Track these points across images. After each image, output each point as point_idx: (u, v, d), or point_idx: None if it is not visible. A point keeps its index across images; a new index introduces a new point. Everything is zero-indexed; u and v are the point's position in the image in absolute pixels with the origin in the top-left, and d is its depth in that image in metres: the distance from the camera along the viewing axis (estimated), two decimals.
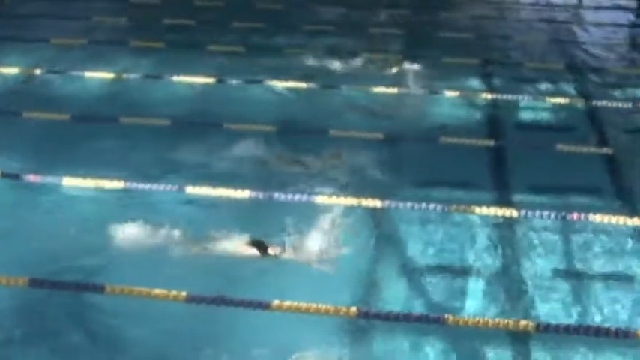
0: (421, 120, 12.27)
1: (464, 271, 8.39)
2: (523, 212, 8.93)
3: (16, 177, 9.49)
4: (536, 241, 8.93)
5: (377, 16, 18.53)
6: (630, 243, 8.97)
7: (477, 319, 6.91)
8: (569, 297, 7.96)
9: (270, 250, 8.41)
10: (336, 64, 14.60)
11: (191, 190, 9.23)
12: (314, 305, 6.97)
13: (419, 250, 8.75)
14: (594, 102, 13.03)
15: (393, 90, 13.05)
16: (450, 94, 13.08)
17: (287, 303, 6.99)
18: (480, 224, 9.09)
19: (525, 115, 12.83)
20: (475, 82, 14.08)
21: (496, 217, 8.93)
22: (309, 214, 9.03)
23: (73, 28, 16.25)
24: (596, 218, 8.75)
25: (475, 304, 7.80)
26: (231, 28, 16.79)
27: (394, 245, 8.82)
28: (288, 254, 8.44)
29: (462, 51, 15.73)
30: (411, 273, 8.30)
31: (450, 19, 18.38)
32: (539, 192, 10.01)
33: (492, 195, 9.86)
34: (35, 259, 8.14)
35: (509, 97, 12.97)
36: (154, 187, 9.36)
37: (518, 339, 7.21)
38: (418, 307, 7.63)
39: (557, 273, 8.43)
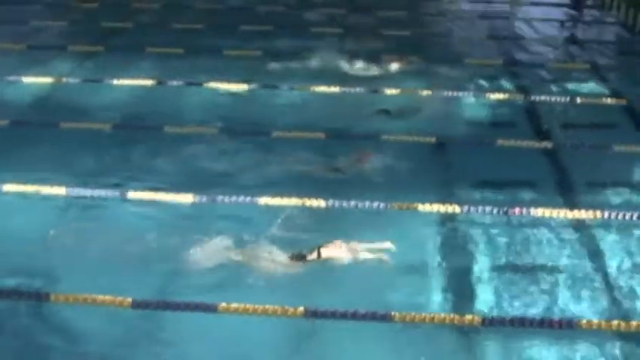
0: (363, 118, 12.29)
1: (411, 267, 8.41)
2: (465, 208, 8.98)
3: None
4: (478, 237, 9.00)
5: (317, 15, 18.56)
6: (571, 235, 9.07)
7: (423, 315, 6.95)
8: (514, 290, 8.03)
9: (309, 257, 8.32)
10: (275, 65, 14.59)
11: (133, 194, 9.15)
12: (261, 307, 6.95)
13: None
14: (533, 97, 13.19)
15: (335, 89, 13.05)
16: (390, 92, 13.12)
17: (234, 305, 6.97)
18: (423, 221, 9.12)
19: (467, 112, 12.91)
20: (417, 80, 14.15)
21: (439, 213, 8.97)
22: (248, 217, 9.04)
23: (11, 33, 16.02)
24: (538, 212, 8.86)
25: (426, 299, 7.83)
26: (170, 29, 16.71)
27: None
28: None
29: (403, 48, 15.84)
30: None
31: (390, 17, 18.50)
32: (480, 187, 10.09)
33: (436, 192, 9.89)
34: None
35: (450, 93, 13.05)
36: (95, 192, 9.27)
37: (465, 333, 7.26)
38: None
39: (500, 267, 8.49)
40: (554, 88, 14.05)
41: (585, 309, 7.70)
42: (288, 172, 10.31)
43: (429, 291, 7.92)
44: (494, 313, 7.36)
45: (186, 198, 9.09)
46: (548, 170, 10.67)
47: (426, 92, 13.21)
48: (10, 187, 9.27)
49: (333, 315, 7.06)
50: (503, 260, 8.61)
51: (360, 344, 7.09)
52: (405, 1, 20.03)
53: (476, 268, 8.41)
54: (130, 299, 7.13)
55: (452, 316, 7.02)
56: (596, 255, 8.69)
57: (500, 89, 13.68)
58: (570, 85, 14.24)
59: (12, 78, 13.27)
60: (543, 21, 19.06)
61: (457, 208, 8.95)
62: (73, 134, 11.18)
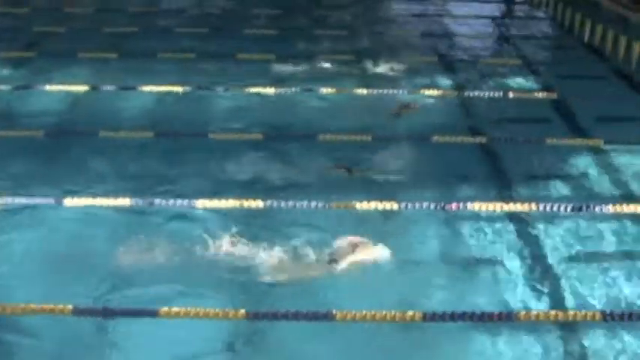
0: (299, 118, 12.32)
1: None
2: (403, 205, 9.04)
3: None
4: (417, 232, 9.07)
5: (251, 16, 18.55)
6: (507, 228, 9.19)
7: (365, 312, 6.97)
8: (455, 285, 8.11)
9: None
10: (210, 66, 14.54)
11: (69, 201, 9.05)
12: (202, 310, 6.93)
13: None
14: (467, 93, 13.34)
15: (270, 90, 13.06)
16: (326, 91, 13.17)
17: (175, 309, 6.93)
18: (359, 219, 9.16)
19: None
20: (351, 79, 14.22)
21: (376, 210, 9.02)
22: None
23: None
24: (475, 206, 8.96)
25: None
26: (103, 33, 16.56)
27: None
28: None
29: (339, 47, 15.92)
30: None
31: (325, 17, 18.57)
32: (417, 183, 10.17)
33: (375, 190, 9.95)
34: None
35: (385, 91, 13.14)
36: (30, 200, 9.16)
37: (407, 329, 7.31)
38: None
39: (440, 261, 8.55)
40: (487, 83, 14.19)
41: (524, 300, 7.80)
42: (227, 174, 10.28)
43: (374, 287, 7.96)
44: (439, 307, 7.41)
45: (124, 202, 9.01)
46: (483, 165, 10.80)
47: (360, 90, 13.27)
48: None
49: (275, 316, 7.06)
50: (443, 255, 8.67)
51: (303, 345, 7.11)
52: (338, 1, 20.15)
53: (416, 264, 8.46)
54: (70, 306, 7.04)
55: (393, 312, 7.05)
56: (532, 247, 8.81)
57: (434, 86, 13.79)
58: (503, 81, 14.44)
59: None
60: (475, 18, 19.32)
61: (395, 206, 9.00)
62: (4, 142, 11.01)
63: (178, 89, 13.12)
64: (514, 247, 8.80)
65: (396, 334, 7.18)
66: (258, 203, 8.96)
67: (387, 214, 9.09)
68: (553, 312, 7.23)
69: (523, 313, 7.10)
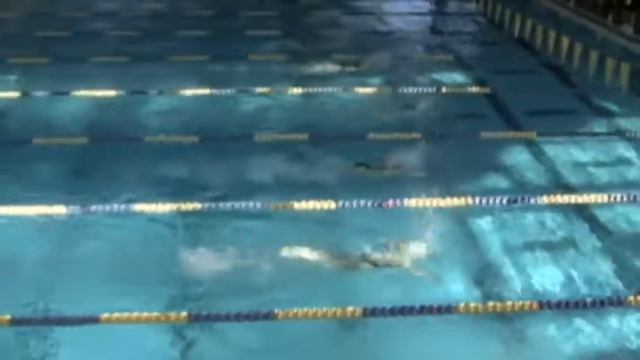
0: (235, 119, 12.32)
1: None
2: (340, 203, 9.08)
3: None
4: (355, 229, 9.12)
5: (182, 19, 18.47)
6: (445, 222, 9.29)
7: (306, 310, 6.99)
8: (397, 280, 8.17)
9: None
10: (144, 69, 14.46)
11: (3, 209, 8.95)
12: (144, 314, 6.89)
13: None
14: (401, 89, 13.44)
15: (204, 91, 13.02)
16: (261, 90, 13.17)
17: (115, 315, 6.88)
18: (301, 218, 9.20)
19: (337, 107, 13.07)
20: (286, 78, 14.25)
21: (315, 210, 9.05)
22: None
23: None
24: (411, 203, 9.04)
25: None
26: (34, 38, 16.35)
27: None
28: None
29: (273, 48, 15.94)
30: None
31: (259, 18, 18.56)
32: (354, 181, 10.23)
33: (311, 189, 9.98)
34: None
35: (318, 90, 13.18)
36: None
37: (347, 326, 7.36)
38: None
39: (380, 258, 8.60)
40: (420, 79, 14.30)
41: (463, 293, 7.88)
42: (162, 178, 10.23)
43: (315, 285, 8.01)
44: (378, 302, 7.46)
45: (59, 210, 8.93)
46: (418, 160, 10.89)
47: (295, 89, 13.30)
48: None
49: (217, 318, 7.05)
50: (382, 251, 8.72)
51: (245, 345, 7.12)
52: (270, 2, 20.16)
53: (356, 261, 8.51)
54: (7, 317, 6.95)
55: (334, 309, 7.09)
56: (471, 240, 8.91)
57: (368, 83, 13.87)
58: (436, 76, 14.58)
59: None
60: (409, 14, 19.49)
61: (332, 204, 9.04)
62: None
63: (112, 93, 13.02)
64: (453, 240, 8.88)
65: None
66: (196, 205, 8.93)
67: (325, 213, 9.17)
68: (491, 303, 7.33)
69: (462, 305, 7.17)
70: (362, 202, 9.04)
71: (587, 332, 7.20)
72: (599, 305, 7.11)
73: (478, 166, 10.71)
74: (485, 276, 8.26)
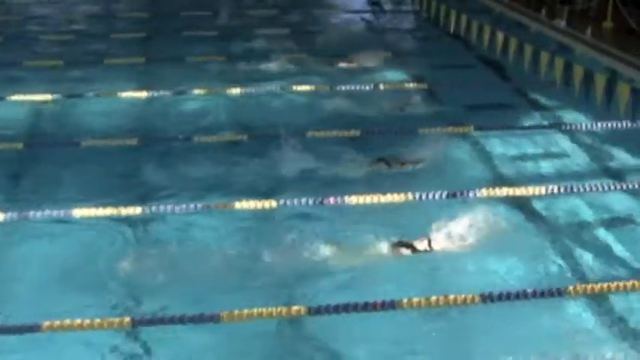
0: (175, 121, 12.25)
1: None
2: (282, 201, 9.08)
3: None
4: (297, 228, 9.14)
5: (117, 21, 18.32)
6: (385, 219, 9.34)
7: (252, 311, 6.96)
8: (334, 277, 8.19)
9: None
10: (79, 73, 14.31)
11: None
12: (87, 321, 6.80)
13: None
14: (339, 87, 13.47)
15: (142, 94, 12.92)
16: (198, 92, 13.11)
17: (57, 322, 6.79)
18: (241, 217, 9.19)
19: (275, 106, 13.07)
20: (223, 79, 14.20)
21: (256, 209, 9.04)
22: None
23: None
24: (352, 200, 9.07)
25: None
26: None
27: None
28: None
29: (209, 49, 15.87)
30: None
31: (194, 19, 18.48)
32: (294, 179, 10.23)
33: (252, 187, 9.97)
34: None
35: (257, 89, 13.16)
36: None
37: (293, 325, 7.37)
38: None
39: (324, 256, 8.62)
40: (358, 76, 14.35)
41: (404, 289, 7.93)
42: (101, 182, 10.13)
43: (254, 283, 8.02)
44: (326, 300, 7.47)
45: None
46: (357, 158, 10.94)
47: (233, 90, 13.27)
48: None
49: (162, 321, 7.00)
50: (326, 248, 8.74)
51: (190, 347, 7.09)
52: (206, 2, 20.08)
53: (300, 260, 8.52)
54: None
55: (279, 309, 7.09)
56: (409, 235, 8.95)
57: (306, 81, 13.88)
58: (373, 74, 14.65)
59: None
60: (345, 12, 19.58)
61: (274, 203, 9.04)
62: None
63: (48, 97, 12.85)
64: (389, 236, 8.93)
65: None
66: (137, 209, 8.86)
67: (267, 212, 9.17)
68: (434, 298, 7.37)
69: (406, 301, 7.20)
70: (303, 200, 9.03)
71: (532, 321, 7.32)
72: (539, 296, 7.19)
73: (416, 162, 10.77)
74: (425, 271, 8.34)
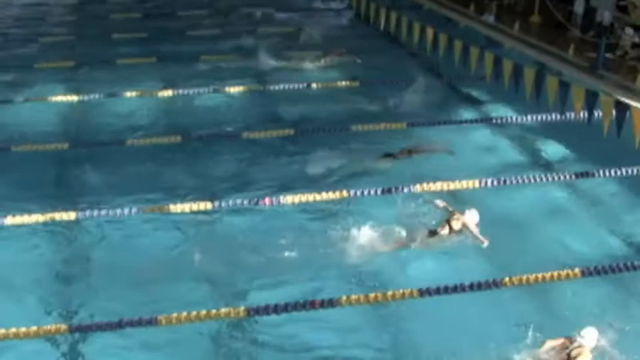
0: (108, 125, 12.14)
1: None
2: (217, 204, 9.05)
3: None
4: (235, 228, 9.13)
5: (45, 25, 18.09)
6: (324, 217, 9.39)
7: (192, 313, 6.92)
8: (280, 277, 8.20)
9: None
10: (8, 77, 14.10)
11: None
12: (23, 329, 6.70)
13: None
14: (272, 87, 13.46)
15: (73, 97, 12.75)
16: (130, 94, 12.99)
17: None
18: (177, 220, 9.14)
19: (206, 107, 13.03)
20: (154, 80, 14.11)
21: (191, 211, 8.99)
22: None
23: None
24: (287, 199, 9.08)
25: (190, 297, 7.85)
26: None
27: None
28: None
29: (139, 51, 15.74)
30: None
31: (124, 21, 18.32)
32: (230, 181, 10.21)
33: (189, 190, 9.93)
34: None
35: (189, 91, 13.09)
36: None
37: (234, 325, 7.36)
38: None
39: (263, 255, 8.61)
40: (291, 76, 14.35)
41: (343, 286, 7.97)
42: (32, 188, 9.97)
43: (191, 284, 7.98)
44: (256, 301, 7.46)
45: None
46: (288, 158, 10.96)
47: (166, 92, 13.18)
48: None
49: (99, 327, 6.94)
50: (262, 248, 8.74)
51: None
52: (137, 5, 19.93)
53: (234, 260, 8.52)
54: None
55: (218, 310, 7.06)
56: (343, 231, 8.99)
57: (239, 82, 13.82)
58: (306, 72, 14.67)
59: None
60: (278, 12, 19.58)
61: (209, 205, 9.01)
62: None
63: None
64: (332, 233, 8.98)
65: None
66: (70, 215, 8.75)
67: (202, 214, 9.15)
68: (372, 294, 7.42)
69: (344, 298, 7.23)
70: (238, 201, 9.03)
71: (467, 314, 7.47)
72: (476, 288, 7.28)
73: (350, 160, 10.83)
74: (361, 267, 8.39)
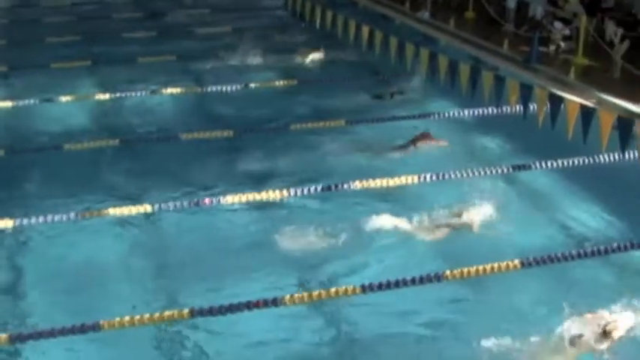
0: (44, 130, 12.00)
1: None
2: (157, 206, 9.00)
3: None
4: (175, 230, 9.09)
5: None
6: (259, 216, 9.40)
7: (133, 318, 6.88)
8: (214, 276, 8.19)
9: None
10: None
11: None
12: None
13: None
14: (210, 88, 13.42)
15: (7, 104, 12.57)
16: (65, 98, 12.85)
17: None
18: (117, 223, 9.07)
19: (143, 109, 12.94)
20: (89, 84, 13.99)
21: (130, 215, 8.93)
22: None
23: None
24: (227, 199, 9.06)
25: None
26: None
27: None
28: None
29: (73, 54, 15.57)
30: None
31: (57, 24, 18.12)
32: (170, 182, 10.16)
33: (126, 193, 9.85)
34: None
35: (126, 94, 12.99)
36: None
37: (178, 328, 7.34)
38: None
39: (205, 256, 8.59)
40: (228, 76, 14.30)
41: (286, 285, 7.99)
42: None
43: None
44: (200, 302, 7.44)
45: None
46: (232, 157, 10.94)
47: (102, 95, 13.07)
48: None
49: (41, 335, 6.84)
50: (204, 248, 8.72)
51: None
52: (69, 8, 19.74)
53: (176, 262, 8.49)
54: None
55: (157, 314, 7.02)
56: (286, 230, 9.01)
57: (176, 84, 13.74)
58: (242, 73, 14.64)
59: None
60: (214, 11, 19.55)
61: (149, 208, 8.95)
62: None
63: None
64: (266, 233, 9.00)
65: None
66: (7, 222, 8.63)
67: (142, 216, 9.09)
68: (316, 292, 7.45)
69: (288, 297, 7.25)
70: (178, 203, 9.00)
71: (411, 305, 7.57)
72: (418, 282, 7.34)
73: (290, 158, 10.85)
74: (307, 259, 8.43)
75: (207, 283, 8.08)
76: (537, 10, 16.78)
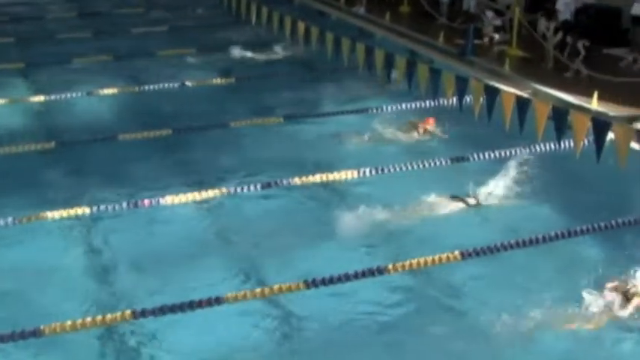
0: None
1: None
2: (95, 208, 8.92)
3: None
4: (115, 232, 9.03)
5: None
6: (202, 215, 9.37)
7: (77, 321, 6.80)
8: (157, 280, 8.14)
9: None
10: None
11: None
12: None
13: None
14: (146, 87, 13.34)
15: None
16: (2, 101, 12.69)
17: None
18: (55, 227, 8.97)
19: (80, 111, 12.81)
20: (24, 87, 13.80)
21: (69, 217, 8.83)
22: None
23: None
24: (167, 200, 9.01)
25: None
26: None
27: None
28: None
29: (4, 56, 15.37)
30: None
31: None
32: (108, 184, 10.06)
33: (65, 196, 9.74)
34: None
35: (61, 96, 12.85)
36: None
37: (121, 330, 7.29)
38: None
39: (142, 260, 8.54)
40: (165, 75, 14.23)
41: (229, 283, 7.98)
42: None
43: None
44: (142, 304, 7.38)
45: None
46: (171, 157, 10.89)
47: (37, 97, 12.92)
48: None
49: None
50: (143, 249, 8.66)
51: None
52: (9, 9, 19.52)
53: (116, 264, 8.42)
54: None
55: (99, 317, 6.97)
56: (227, 228, 9.00)
57: (112, 84, 13.62)
58: (179, 71, 14.57)
59: None
60: (150, 9, 19.43)
61: (87, 210, 8.87)
62: None
63: None
64: (207, 233, 8.97)
65: None
66: None
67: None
68: (259, 289, 7.45)
69: (230, 295, 7.23)
70: (117, 205, 8.93)
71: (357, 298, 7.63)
72: (361, 276, 7.39)
73: (228, 156, 10.83)
74: (251, 257, 8.42)
75: (149, 284, 8.03)
76: (471, 3, 16.97)
